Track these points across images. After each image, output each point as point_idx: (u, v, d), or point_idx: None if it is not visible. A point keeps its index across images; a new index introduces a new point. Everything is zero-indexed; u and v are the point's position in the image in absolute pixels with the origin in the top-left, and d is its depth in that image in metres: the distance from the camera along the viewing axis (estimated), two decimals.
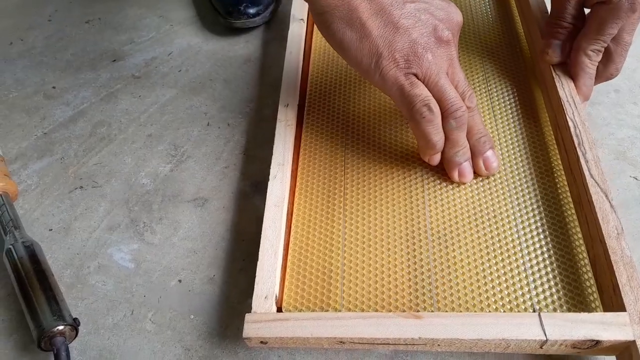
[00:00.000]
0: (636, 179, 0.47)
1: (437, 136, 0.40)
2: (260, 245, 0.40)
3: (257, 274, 0.38)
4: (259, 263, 0.39)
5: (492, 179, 0.43)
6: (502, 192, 0.43)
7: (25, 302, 0.39)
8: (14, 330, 0.42)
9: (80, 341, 0.41)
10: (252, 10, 0.61)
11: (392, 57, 0.39)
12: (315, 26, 0.58)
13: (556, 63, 0.47)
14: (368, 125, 0.48)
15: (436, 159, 0.42)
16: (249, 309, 0.37)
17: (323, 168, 0.46)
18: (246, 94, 0.57)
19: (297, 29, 0.56)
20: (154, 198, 0.49)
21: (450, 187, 0.43)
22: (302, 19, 0.57)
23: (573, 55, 0.46)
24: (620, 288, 0.35)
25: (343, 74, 0.53)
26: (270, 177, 0.43)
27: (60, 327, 0.38)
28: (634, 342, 0.33)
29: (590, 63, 0.45)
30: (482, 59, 0.52)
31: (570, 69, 0.46)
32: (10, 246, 0.42)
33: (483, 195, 0.43)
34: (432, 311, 0.37)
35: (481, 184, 0.43)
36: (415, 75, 0.39)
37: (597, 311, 0.36)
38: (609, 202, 0.39)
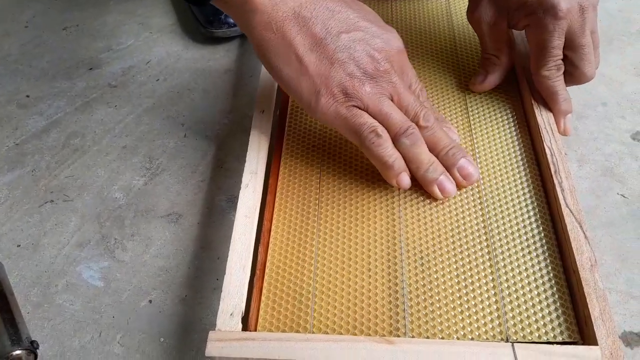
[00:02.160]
0: (624, 196, 0.46)
1: (391, 158, 0.40)
2: (228, 258, 0.38)
3: (222, 289, 0.36)
4: (225, 277, 0.37)
5: (472, 199, 0.42)
6: (481, 214, 0.41)
7: None
8: None
9: None
10: (232, 20, 0.60)
11: (331, 92, 0.39)
12: None
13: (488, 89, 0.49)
14: (345, 141, 0.47)
15: (403, 182, 0.41)
16: None
17: (302, 182, 0.44)
18: (225, 104, 0.55)
19: None
20: (126, 213, 0.47)
21: (429, 207, 0.42)
22: None
23: (534, 81, 0.46)
24: (593, 321, 0.34)
25: None
26: (242, 185, 0.41)
27: (17, 352, 0.36)
28: None
29: (553, 82, 0.45)
30: (461, 80, 0.51)
31: (539, 92, 0.46)
32: None
33: (461, 216, 0.41)
34: (406, 336, 0.35)
35: (459, 204, 0.42)
36: (357, 106, 0.39)
37: (574, 339, 0.35)
38: (583, 232, 0.38)
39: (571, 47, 0.43)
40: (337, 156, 0.46)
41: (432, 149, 0.41)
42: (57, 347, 0.40)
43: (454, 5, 0.59)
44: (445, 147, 0.41)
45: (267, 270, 0.39)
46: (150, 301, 0.42)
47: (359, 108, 0.40)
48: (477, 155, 0.45)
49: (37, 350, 0.38)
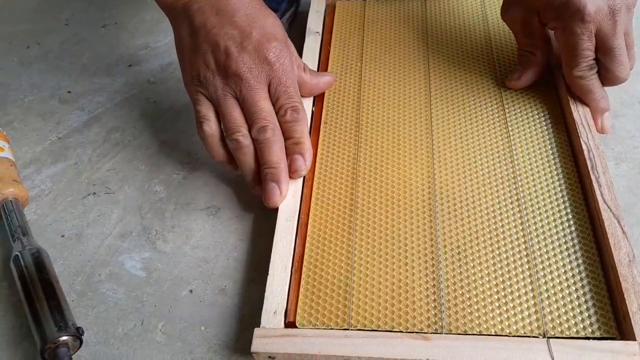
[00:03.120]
0: None
1: (214, 152, 0.45)
2: (271, 260, 0.39)
3: (266, 288, 0.38)
4: (268, 278, 0.38)
5: (509, 195, 0.42)
6: (518, 210, 0.42)
7: (30, 311, 0.39)
8: (24, 338, 0.41)
9: (89, 350, 0.40)
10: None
11: (190, 75, 0.45)
12: (332, 37, 0.58)
13: (524, 86, 0.49)
14: (382, 137, 0.48)
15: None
16: (259, 321, 0.36)
17: (337, 176, 0.45)
18: None
19: (312, 43, 0.56)
20: (166, 205, 0.48)
21: (466, 202, 0.42)
22: (317, 32, 0.57)
23: (568, 82, 0.46)
24: (631, 316, 0.34)
25: (359, 85, 0.52)
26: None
27: (64, 338, 0.37)
28: None
29: (587, 81, 0.45)
30: (498, 77, 0.51)
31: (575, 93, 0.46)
32: (18, 253, 0.42)
33: (499, 212, 0.42)
34: (442, 332, 0.36)
35: (497, 200, 0.42)
36: (203, 94, 0.44)
37: (612, 334, 0.35)
38: (621, 227, 0.38)
39: (602, 49, 0.43)
40: (372, 150, 0.47)
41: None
42: (101, 334, 0.41)
43: (488, 3, 0.59)
44: (292, 144, 0.44)
45: (304, 263, 0.40)
46: (190, 291, 0.43)
47: (206, 97, 0.44)
48: (514, 152, 0.45)
49: (83, 337, 0.39)
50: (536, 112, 0.48)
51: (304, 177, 0.45)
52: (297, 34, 0.58)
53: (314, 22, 0.58)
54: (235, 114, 0.43)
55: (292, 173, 0.44)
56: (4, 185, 0.46)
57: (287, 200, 0.43)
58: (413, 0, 0.60)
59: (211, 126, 0.44)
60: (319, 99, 0.51)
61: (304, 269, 0.40)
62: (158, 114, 0.56)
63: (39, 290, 0.40)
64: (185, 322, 0.41)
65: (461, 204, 0.42)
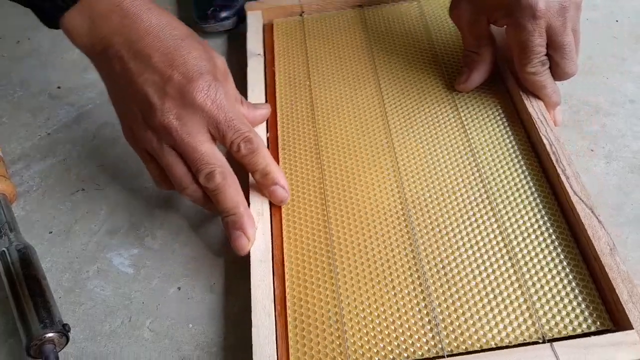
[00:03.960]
0: None
1: (192, 199, 0.42)
2: (252, 308, 0.37)
3: (253, 341, 0.36)
4: (253, 330, 0.36)
5: (481, 201, 0.42)
6: (492, 214, 0.41)
7: (16, 308, 0.39)
8: (10, 335, 0.41)
9: (76, 347, 0.40)
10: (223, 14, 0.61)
11: (126, 131, 0.43)
12: (275, 57, 0.56)
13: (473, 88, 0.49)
14: (344, 155, 0.47)
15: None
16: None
17: (308, 206, 0.43)
18: None
19: (255, 65, 0.54)
20: (155, 202, 0.48)
21: (441, 214, 0.42)
22: (259, 54, 0.56)
23: (520, 78, 0.46)
24: (624, 305, 0.34)
25: (312, 105, 0.51)
26: (255, 218, 0.42)
27: (49, 335, 0.37)
28: None
29: (540, 77, 0.45)
30: (447, 82, 0.51)
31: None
32: (4, 249, 0.42)
33: (474, 219, 0.41)
34: (444, 355, 0.35)
35: (470, 207, 0.42)
36: (146, 151, 0.42)
37: (607, 325, 0.35)
38: (596, 217, 0.38)
39: (552, 45, 0.44)
40: (337, 171, 0.46)
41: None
42: (88, 331, 0.41)
43: (426, 7, 0.59)
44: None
45: (288, 305, 0.38)
46: (179, 288, 0.43)
47: (148, 152, 0.41)
48: (477, 155, 0.45)
49: (69, 333, 0.39)
50: (491, 111, 0.48)
51: (270, 210, 0.43)
52: (238, 56, 0.58)
53: (254, 44, 0.56)
54: (177, 169, 0.40)
55: (278, 203, 0.43)
56: None
57: (257, 238, 0.41)
58: (350, 11, 0.60)
59: (168, 183, 0.42)
60: (272, 124, 0.50)
61: (288, 312, 0.38)
62: None
63: (24, 287, 0.39)
64: (173, 320, 0.41)
65: (435, 216, 0.42)
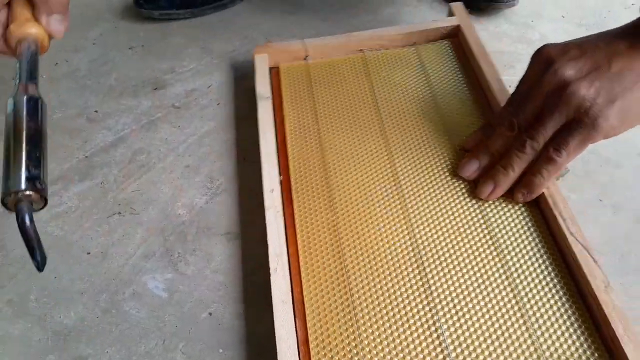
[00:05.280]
0: None
1: None
2: (277, 351, 0.39)
3: None
4: None
5: (487, 246, 0.45)
6: (496, 253, 0.45)
7: (5, 154, 0.35)
8: None
9: None
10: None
11: None
12: (283, 101, 0.57)
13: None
14: (355, 198, 0.49)
15: None
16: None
17: (324, 249, 0.46)
18: None
19: (265, 108, 0.55)
20: (188, 229, 0.51)
21: (449, 255, 0.45)
22: (268, 97, 0.56)
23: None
24: (619, 339, 0.38)
25: (321, 149, 0.53)
26: (271, 270, 0.43)
27: (28, 192, 0.33)
28: None
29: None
30: (446, 124, 0.54)
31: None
32: (12, 97, 0.38)
33: (480, 259, 0.44)
34: None
35: (474, 247, 0.45)
36: None
37: (605, 358, 0.39)
38: (592, 257, 0.42)
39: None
40: (350, 214, 0.48)
41: None
42: (124, 351, 0.44)
43: (424, 53, 0.61)
44: None
45: (311, 347, 0.40)
46: (210, 314, 0.45)
47: None
48: (482, 201, 0.48)
49: (47, 197, 0.34)
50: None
51: (288, 252, 0.45)
52: (245, 98, 0.61)
53: (263, 87, 0.57)
54: None
55: None
56: (23, 26, 0.40)
57: (278, 280, 0.42)
58: (353, 56, 0.62)
59: None
60: (284, 168, 0.51)
61: (312, 353, 0.40)
62: (182, 138, 0.59)
63: (21, 138, 0.35)
64: (204, 344, 0.44)
65: (444, 257, 0.45)
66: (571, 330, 0.40)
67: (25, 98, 0.37)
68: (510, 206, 0.47)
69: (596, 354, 0.39)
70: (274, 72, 0.61)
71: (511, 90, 0.50)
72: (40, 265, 0.34)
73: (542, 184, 0.44)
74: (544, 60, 0.44)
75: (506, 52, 0.66)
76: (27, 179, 0.33)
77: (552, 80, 0.43)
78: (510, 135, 0.45)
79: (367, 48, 0.62)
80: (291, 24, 0.72)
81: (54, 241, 0.51)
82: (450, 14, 0.64)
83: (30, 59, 0.40)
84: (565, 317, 0.41)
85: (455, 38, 0.63)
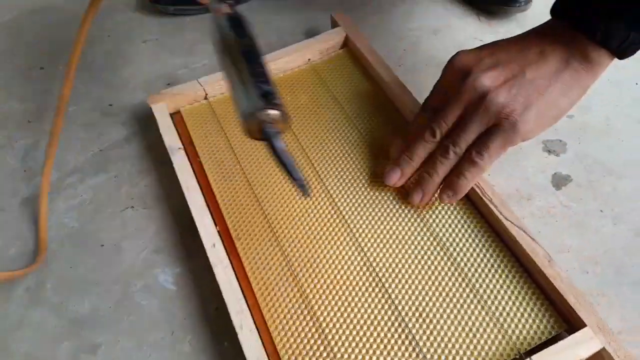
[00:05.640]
0: None
1: None
2: None
3: None
4: None
5: (435, 245, 0.47)
6: (447, 258, 0.47)
7: (231, 79, 0.34)
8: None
9: (124, 354, 0.45)
10: None
11: None
12: (196, 149, 0.55)
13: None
14: (299, 229, 0.49)
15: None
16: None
17: (280, 288, 0.46)
18: None
19: (181, 161, 0.53)
20: None
21: (395, 254, 0.47)
22: (179, 147, 0.54)
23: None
24: (573, 307, 0.41)
25: (251, 187, 0.52)
26: (237, 328, 0.42)
27: (274, 112, 0.32)
28: (603, 348, 0.40)
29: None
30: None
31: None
32: (218, 21, 0.37)
33: (434, 267, 0.46)
34: None
35: (424, 250, 0.47)
36: None
37: (563, 327, 0.42)
38: (529, 235, 0.45)
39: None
40: (299, 248, 0.48)
41: None
42: (135, 341, 0.46)
43: (320, 68, 0.62)
44: None
45: None
46: (217, 308, 0.47)
47: None
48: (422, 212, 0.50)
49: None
50: None
51: (248, 305, 0.44)
52: (156, 155, 0.58)
53: (172, 138, 0.55)
54: None
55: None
56: None
57: (245, 338, 0.42)
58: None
59: None
60: (218, 217, 0.50)
61: None
62: None
63: (238, 56, 0.34)
64: (210, 337, 0.46)
65: (398, 266, 0.46)
66: (529, 307, 0.43)
67: (227, 19, 0.37)
68: (443, 205, 0.50)
69: (555, 326, 0.42)
70: (177, 119, 0.58)
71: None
72: (303, 185, 0.33)
73: (466, 185, 0.46)
74: (460, 69, 0.46)
75: None
76: (262, 95, 0.31)
77: (470, 89, 0.44)
78: (433, 141, 0.47)
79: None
80: (302, 22, 0.73)
81: (69, 232, 0.53)
82: (334, 24, 0.65)
83: None
84: (520, 296, 0.44)
85: (346, 47, 0.64)
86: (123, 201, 0.55)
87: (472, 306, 0.44)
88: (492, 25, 0.71)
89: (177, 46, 0.71)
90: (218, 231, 0.49)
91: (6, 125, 0.63)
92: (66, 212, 0.54)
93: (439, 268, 0.46)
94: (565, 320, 0.43)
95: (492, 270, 0.45)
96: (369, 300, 0.44)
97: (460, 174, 0.46)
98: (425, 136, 0.47)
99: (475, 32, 0.70)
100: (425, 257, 0.47)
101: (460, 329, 0.43)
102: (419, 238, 0.48)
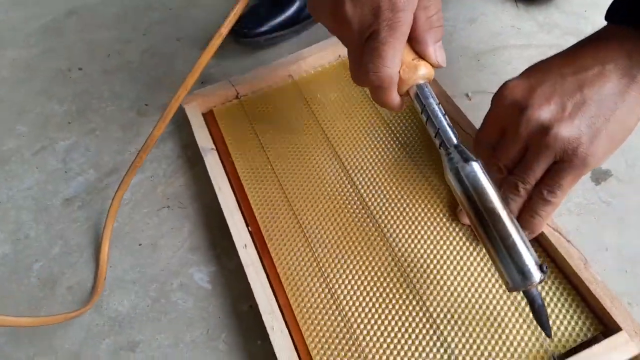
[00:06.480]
0: None
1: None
2: None
3: None
4: None
5: (468, 246, 0.47)
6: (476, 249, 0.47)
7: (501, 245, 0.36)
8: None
9: (162, 352, 0.46)
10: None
11: None
12: (228, 148, 0.56)
13: None
14: (328, 226, 0.49)
15: None
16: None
17: (311, 290, 0.46)
18: None
19: (213, 161, 0.54)
20: None
21: (428, 256, 0.46)
22: (212, 148, 0.55)
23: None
24: (609, 311, 0.41)
25: (281, 187, 0.53)
26: (268, 329, 0.43)
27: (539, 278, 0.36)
28: None
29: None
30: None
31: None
32: (466, 171, 0.37)
33: (472, 264, 0.46)
34: None
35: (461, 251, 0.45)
36: None
37: (599, 330, 0.42)
38: (564, 237, 0.44)
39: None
40: (328, 244, 0.48)
41: None
42: (172, 338, 0.47)
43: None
44: None
45: None
46: (251, 306, 0.48)
47: None
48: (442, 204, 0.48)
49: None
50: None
51: (279, 305, 0.45)
52: (191, 154, 0.59)
53: (204, 139, 0.56)
54: None
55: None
56: (414, 70, 0.39)
57: (277, 338, 0.43)
58: (283, 84, 0.60)
59: None
60: (250, 218, 0.50)
61: None
62: None
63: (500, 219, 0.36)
64: (244, 335, 0.47)
65: (431, 268, 0.46)
66: (564, 309, 0.43)
67: (471, 168, 0.37)
68: None
69: (592, 328, 0.41)
70: (210, 119, 0.59)
71: None
72: (549, 333, 0.38)
73: (541, 224, 0.43)
74: (513, 103, 0.41)
75: (554, 45, 0.65)
76: (539, 266, 0.36)
77: (529, 127, 0.40)
78: (500, 177, 0.44)
79: (295, 73, 0.61)
80: None
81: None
82: None
83: (438, 108, 0.39)
84: (555, 298, 0.43)
85: None
86: (159, 201, 0.56)
87: (506, 307, 0.43)
88: (530, 12, 0.69)
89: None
90: (250, 232, 0.49)
91: (47, 127, 0.65)
92: (103, 212, 0.56)
93: (472, 269, 0.46)
94: (602, 324, 0.42)
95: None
96: (400, 301, 0.45)
97: (535, 214, 0.43)
98: (491, 173, 0.42)
99: (512, 20, 0.68)
100: (458, 258, 0.46)
101: (493, 330, 0.42)
102: (450, 238, 0.47)
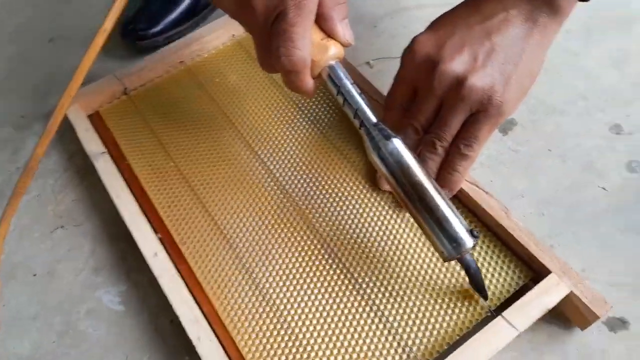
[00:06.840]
0: (604, 189, 0.49)
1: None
2: None
3: None
4: None
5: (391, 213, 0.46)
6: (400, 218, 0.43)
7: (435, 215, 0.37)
8: None
9: None
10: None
11: None
12: (122, 150, 0.51)
13: None
14: (245, 212, 0.46)
15: None
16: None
17: (235, 289, 0.43)
18: None
19: (105, 167, 0.49)
20: None
21: (355, 240, 0.44)
22: (103, 152, 0.50)
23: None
24: (535, 255, 0.41)
25: (189, 185, 0.49)
26: (194, 341, 0.39)
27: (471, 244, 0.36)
28: (571, 292, 0.39)
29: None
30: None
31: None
32: (389, 147, 0.37)
33: (396, 232, 0.45)
34: (416, 357, 0.39)
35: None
36: None
37: (530, 276, 0.42)
38: (483, 190, 0.44)
39: None
40: (248, 238, 0.45)
41: None
42: None
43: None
44: None
45: None
46: (172, 320, 0.44)
47: None
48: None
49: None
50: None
51: (203, 313, 0.41)
52: (81, 164, 0.53)
53: (92, 144, 0.50)
54: None
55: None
56: (324, 51, 0.37)
57: (205, 348, 0.39)
58: (176, 72, 0.57)
59: None
60: (158, 224, 0.46)
61: None
62: None
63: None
64: (169, 353, 0.43)
65: (360, 252, 0.44)
66: (492, 262, 0.42)
67: (393, 145, 0.37)
68: None
69: (522, 276, 0.42)
70: (97, 120, 0.53)
71: None
72: (486, 295, 0.39)
73: (460, 180, 0.43)
74: (423, 59, 0.41)
75: (448, 3, 0.64)
76: (469, 232, 0.37)
77: (443, 82, 0.40)
78: (415, 139, 0.43)
79: (187, 58, 0.57)
80: None
81: None
82: None
83: (354, 88, 0.38)
84: (482, 252, 0.43)
85: None
86: (51, 221, 0.50)
87: (437, 270, 0.42)
88: None
89: (87, 40, 0.65)
90: (159, 238, 0.45)
91: None
92: None
93: (398, 236, 0.44)
94: (530, 269, 0.42)
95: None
96: (332, 283, 0.42)
97: (452, 170, 0.42)
98: (407, 134, 0.43)
99: None
100: (384, 228, 0.45)
101: (428, 295, 0.41)
102: (373, 209, 0.46)
